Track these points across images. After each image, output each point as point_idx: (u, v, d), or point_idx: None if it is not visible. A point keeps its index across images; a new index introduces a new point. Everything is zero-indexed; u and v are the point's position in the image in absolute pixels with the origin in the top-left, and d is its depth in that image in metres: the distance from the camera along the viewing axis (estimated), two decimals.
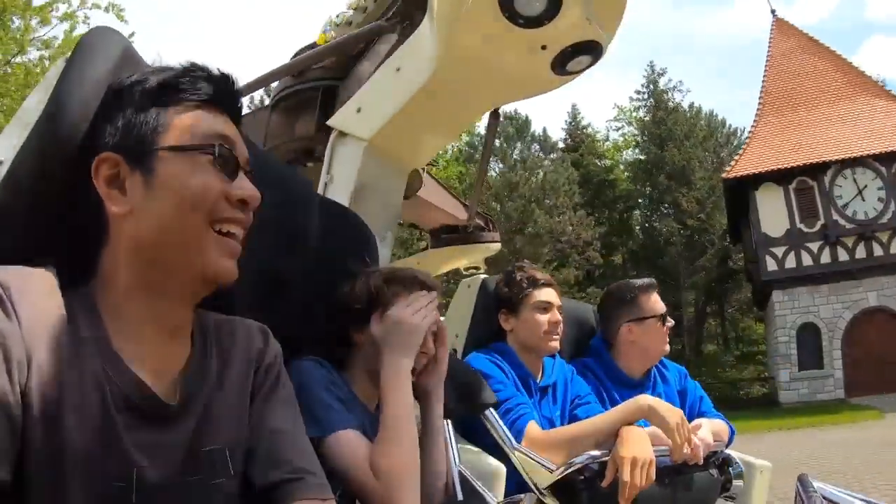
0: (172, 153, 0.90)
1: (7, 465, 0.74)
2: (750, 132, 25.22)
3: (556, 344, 2.28)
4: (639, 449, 1.81)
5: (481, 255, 4.92)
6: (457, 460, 1.58)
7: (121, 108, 0.93)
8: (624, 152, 42.22)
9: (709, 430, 2.14)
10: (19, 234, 0.95)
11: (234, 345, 1.04)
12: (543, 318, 2.27)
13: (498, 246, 5.00)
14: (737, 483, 2.34)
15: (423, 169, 4.20)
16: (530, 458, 1.83)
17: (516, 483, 1.85)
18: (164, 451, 0.88)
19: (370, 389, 1.42)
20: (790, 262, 22.44)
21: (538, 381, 2.30)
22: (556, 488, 1.78)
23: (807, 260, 22.31)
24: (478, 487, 1.55)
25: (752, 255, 24.35)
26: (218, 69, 0.99)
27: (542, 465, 1.79)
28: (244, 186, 0.95)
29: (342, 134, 2.87)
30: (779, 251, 22.59)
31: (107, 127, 0.93)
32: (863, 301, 21.69)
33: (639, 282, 2.67)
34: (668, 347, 2.58)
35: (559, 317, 2.28)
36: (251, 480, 0.97)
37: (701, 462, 1.95)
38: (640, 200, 39.66)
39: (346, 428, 1.27)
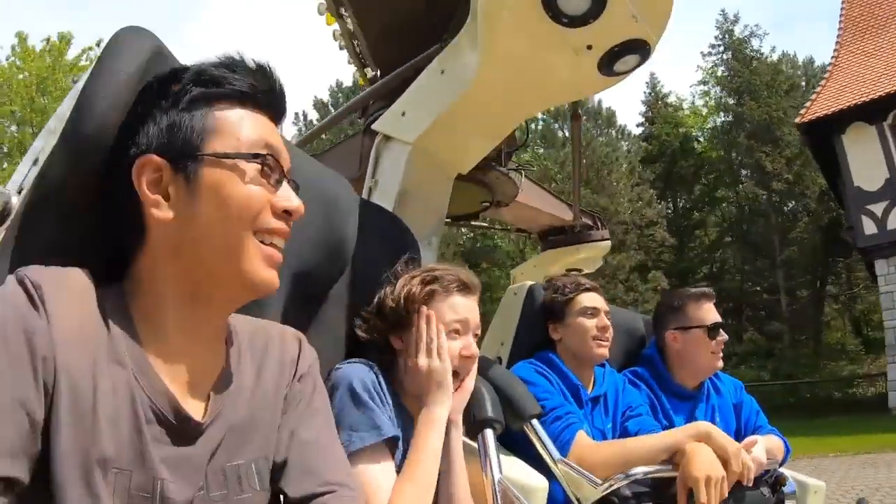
0: (219, 160, 0.89)
1: (24, 463, 0.74)
2: (830, 65, 19.91)
3: (604, 351, 2.22)
4: (710, 467, 1.75)
5: (594, 254, 4.92)
6: (499, 472, 1.54)
7: (161, 107, 0.91)
8: (712, 119, 35.56)
9: (763, 447, 2.05)
10: (52, 235, 0.95)
11: (267, 354, 1.02)
12: (591, 322, 2.21)
13: (608, 244, 5.01)
14: (790, 503, 2.25)
15: (522, 173, 4.20)
16: (574, 471, 1.78)
17: (560, 498, 1.80)
18: (189, 466, 0.87)
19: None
20: (894, 222, 16.68)
21: (589, 391, 2.24)
22: None
23: None
24: (520, 500, 1.51)
25: (847, 218, 18.87)
26: (259, 63, 0.96)
27: (587, 479, 1.74)
28: (289, 197, 0.94)
29: (387, 138, 2.87)
30: (878, 208, 16.89)
31: (146, 127, 0.90)
32: None
33: (692, 290, 2.60)
34: (719, 363, 2.47)
35: (607, 322, 2.22)
36: (284, 492, 0.95)
37: (752, 482, 1.86)
38: (721, 167, 33.54)
39: (379, 439, 1.25)
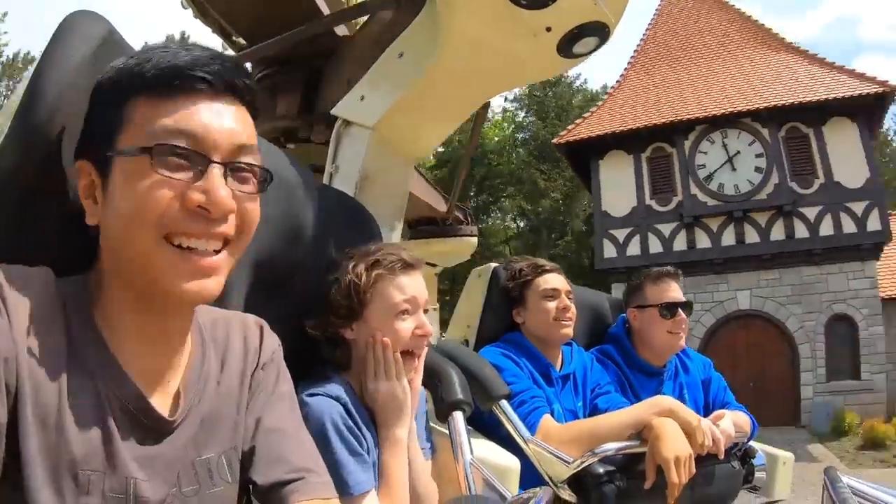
0: (123, 157, 0.80)
1: None
2: (609, 91, 20.11)
3: (568, 331, 2.23)
4: (678, 445, 1.77)
5: (460, 248, 4.87)
6: (470, 454, 1.53)
7: (91, 108, 0.86)
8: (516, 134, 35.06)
9: (731, 421, 2.08)
10: (11, 231, 0.91)
11: (229, 345, 1.00)
12: (551, 304, 2.21)
13: (475, 241, 4.96)
14: (759, 475, 2.29)
15: None
16: (545, 450, 1.78)
17: (532, 477, 1.81)
18: (160, 464, 0.85)
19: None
20: (633, 249, 17.19)
21: (558, 370, 2.25)
22: (574, 482, 1.73)
23: (655, 246, 16.97)
24: (492, 481, 1.51)
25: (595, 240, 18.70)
26: (191, 44, 0.87)
27: (559, 458, 1.75)
28: (207, 189, 0.79)
29: (347, 123, 2.84)
30: (620, 234, 17.40)
31: (84, 129, 0.86)
32: (730, 302, 16.57)
33: (656, 270, 2.60)
34: (680, 342, 2.48)
35: (568, 302, 2.23)
36: (253, 481, 0.94)
37: (722, 455, 1.90)
38: (506, 181, 33.16)
39: (364, 492, 1.25)
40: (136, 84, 0.81)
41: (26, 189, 0.91)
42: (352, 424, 1.30)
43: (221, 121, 0.83)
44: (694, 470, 1.76)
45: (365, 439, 1.33)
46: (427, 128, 2.92)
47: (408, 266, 1.43)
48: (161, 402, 0.87)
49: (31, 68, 0.98)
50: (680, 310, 2.45)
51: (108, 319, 0.84)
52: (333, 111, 2.88)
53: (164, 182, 0.78)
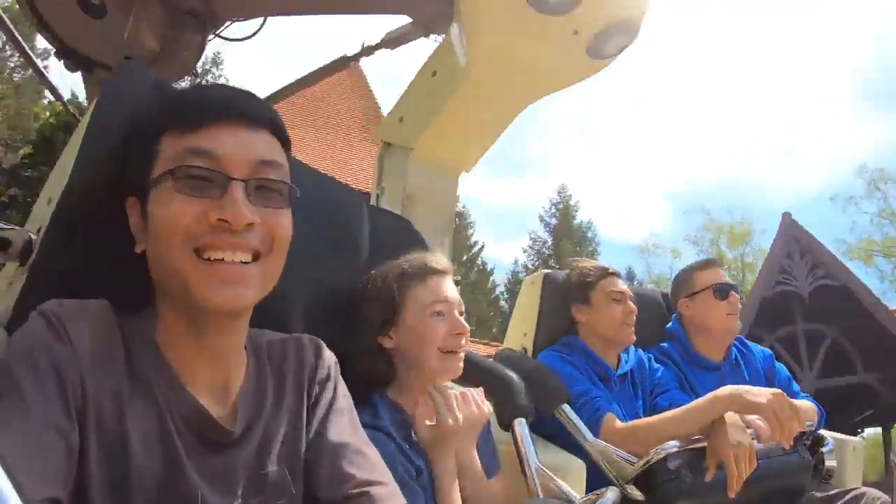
0: (155, 185, 0.88)
1: (63, 485, 0.75)
2: None
3: (632, 336, 2.23)
4: (738, 438, 1.73)
5: None
6: (535, 460, 1.55)
7: (131, 147, 0.95)
8: None
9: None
10: (74, 265, 0.99)
11: (286, 363, 1.04)
12: (619, 308, 2.22)
13: None
14: (829, 464, 2.24)
15: None
16: (610, 451, 1.79)
17: (598, 478, 1.81)
18: (225, 475, 0.89)
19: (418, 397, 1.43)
20: None
21: (616, 371, 2.25)
22: (640, 480, 1.73)
23: None
24: (558, 485, 1.52)
25: None
26: (222, 84, 0.97)
27: (623, 458, 1.75)
28: (222, 206, 0.85)
29: (388, 145, 2.89)
30: None
31: (128, 167, 0.95)
32: None
33: (701, 260, 2.62)
34: (737, 324, 2.47)
35: (633, 307, 2.24)
36: (317, 497, 0.96)
37: (788, 445, 1.82)
38: None
39: None
40: (166, 121, 0.90)
41: (91, 236, 0.99)
42: (403, 459, 1.31)
43: (240, 140, 0.89)
44: (755, 464, 1.72)
45: (413, 462, 1.34)
46: (468, 142, 2.95)
47: (435, 271, 1.46)
48: (221, 416, 0.91)
49: (86, 119, 1.05)
50: (733, 291, 2.45)
51: (168, 341, 0.91)
52: (376, 136, 2.94)
53: (186, 201, 0.85)
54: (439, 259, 1.49)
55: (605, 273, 2.29)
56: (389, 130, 2.89)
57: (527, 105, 2.86)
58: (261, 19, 3.92)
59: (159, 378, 0.87)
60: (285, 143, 0.98)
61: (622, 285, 2.27)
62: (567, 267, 2.43)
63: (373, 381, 1.44)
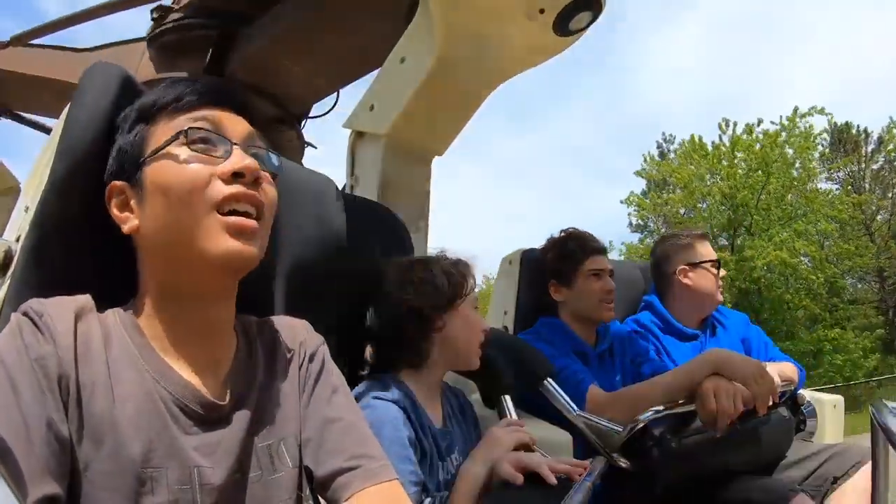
0: (154, 157, 0.92)
1: (58, 480, 0.76)
2: None
3: (611, 312, 2.25)
4: (724, 383, 1.74)
5: None
6: None
7: (116, 139, 0.98)
8: None
9: (775, 371, 2.06)
10: (57, 268, 0.99)
11: (277, 340, 1.06)
12: (597, 285, 2.24)
13: None
14: (811, 421, 2.29)
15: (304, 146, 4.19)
16: (594, 422, 1.81)
17: (584, 449, 1.84)
18: (221, 450, 0.90)
19: (433, 387, 1.52)
20: None
21: (594, 349, 2.27)
22: (626, 449, 1.76)
23: None
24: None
25: None
26: (203, 77, 1.01)
27: (609, 428, 1.77)
28: (234, 161, 0.92)
29: (359, 134, 2.88)
30: None
31: (109, 160, 0.97)
32: None
33: (693, 230, 2.67)
34: (721, 297, 2.56)
35: (612, 284, 2.25)
36: (310, 471, 0.98)
37: (764, 410, 1.82)
38: None
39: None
40: (159, 108, 0.95)
41: (70, 234, 0.99)
42: (412, 435, 1.35)
43: (231, 117, 0.98)
44: (741, 406, 1.72)
45: (422, 445, 1.37)
46: (439, 125, 2.94)
47: (472, 266, 1.59)
48: (211, 389, 0.93)
49: (62, 119, 1.05)
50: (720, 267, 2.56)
51: (154, 325, 0.92)
52: (344, 125, 2.92)
53: (199, 158, 0.91)
54: (469, 259, 1.60)
55: (586, 250, 2.29)
56: (360, 119, 2.87)
57: (496, 86, 2.86)
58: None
59: (145, 362, 0.89)
60: (260, 130, 1.03)
61: (603, 262, 2.28)
62: (552, 242, 2.42)
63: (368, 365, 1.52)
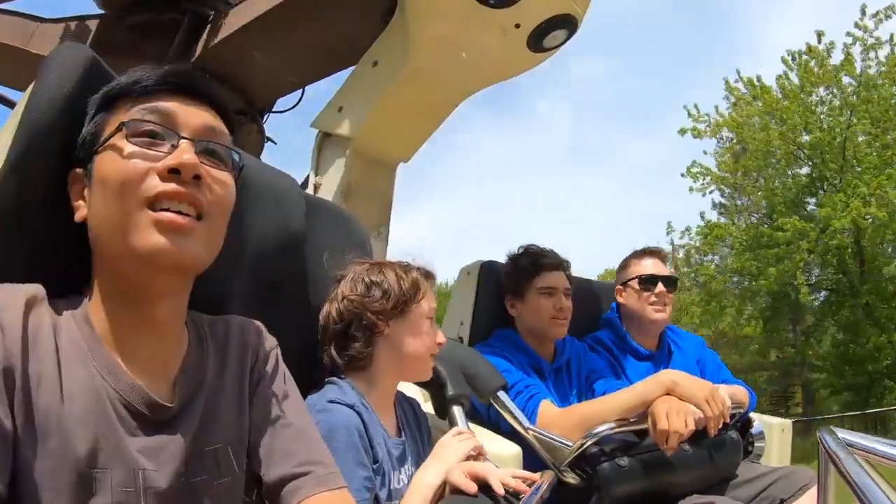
0: (102, 147, 0.89)
1: (3, 476, 0.74)
2: None
3: (562, 330, 2.25)
4: (675, 404, 1.76)
5: None
6: None
7: (79, 125, 0.94)
8: None
9: (727, 393, 2.08)
10: (15, 260, 0.96)
11: (228, 341, 1.03)
12: (548, 303, 2.23)
13: None
14: (759, 444, 2.33)
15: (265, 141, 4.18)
16: (545, 437, 1.81)
17: (534, 463, 1.83)
18: (167, 453, 0.88)
19: (386, 394, 1.50)
20: None
21: (551, 364, 2.27)
22: (576, 464, 1.76)
23: None
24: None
25: None
26: (171, 65, 0.96)
27: (559, 443, 1.78)
28: (174, 155, 0.87)
29: (326, 135, 2.87)
30: None
31: (78, 142, 0.94)
32: None
33: (641, 248, 2.65)
34: (658, 315, 2.50)
35: (565, 301, 2.25)
36: (259, 476, 0.96)
37: (714, 432, 1.83)
38: None
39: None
40: (119, 94, 0.92)
41: (28, 220, 0.96)
42: (367, 441, 1.33)
43: (188, 108, 0.92)
44: (692, 424, 1.73)
45: (375, 452, 1.35)
46: (407, 132, 2.95)
47: (431, 277, 1.55)
48: (159, 391, 0.90)
49: (21, 104, 1.01)
50: (661, 283, 2.50)
51: (104, 319, 0.89)
52: (312, 125, 2.91)
53: (138, 153, 0.86)
54: (429, 267, 1.56)
55: (539, 267, 2.29)
56: (328, 120, 2.86)
57: (467, 95, 2.88)
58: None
59: (94, 359, 0.86)
60: (228, 123, 0.99)
61: (555, 280, 2.27)
62: (508, 257, 2.42)
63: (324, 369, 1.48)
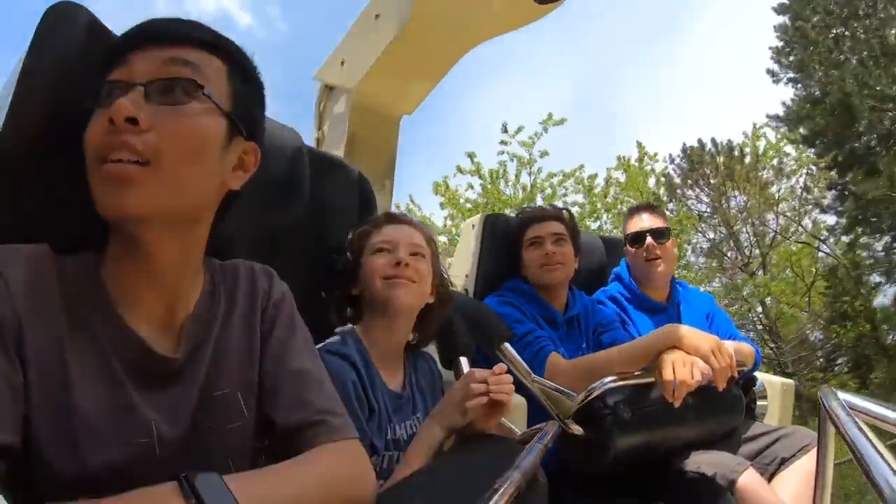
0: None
1: (13, 428, 0.74)
2: None
3: (554, 275, 2.27)
4: (679, 354, 1.78)
5: None
6: None
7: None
8: None
9: (734, 349, 2.08)
10: (18, 214, 0.96)
11: (237, 285, 1.03)
12: (536, 253, 2.29)
13: None
14: (761, 403, 2.35)
15: None
16: (550, 388, 1.82)
17: (540, 414, 1.85)
18: (177, 402, 0.89)
19: (387, 347, 1.49)
20: None
21: (563, 314, 2.30)
22: (580, 416, 1.77)
23: None
24: (500, 420, 1.55)
25: None
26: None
27: (563, 394, 1.79)
28: (109, 105, 0.83)
29: (329, 87, 2.84)
30: None
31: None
32: None
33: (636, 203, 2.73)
34: (654, 269, 2.53)
35: (550, 247, 2.27)
36: (273, 421, 0.96)
37: (722, 387, 1.85)
38: None
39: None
40: (106, 60, 0.89)
41: (31, 178, 0.95)
42: (360, 391, 1.34)
43: (152, 53, 0.87)
44: (698, 375, 1.74)
45: (371, 402, 1.36)
46: (410, 86, 2.92)
47: (391, 218, 1.58)
48: (164, 343, 0.90)
49: (20, 63, 0.99)
50: (649, 237, 2.53)
51: (112, 271, 0.89)
52: (315, 76, 2.88)
53: (100, 114, 0.84)
54: (401, 213, 1.61)
55: (526, 221, 2.37)
56: (330, 72, 2.84)
57: (470, 48, 2.84)
58: None
59: (98, 314, 0.86)
60: (228, 61, 0.94)
61: (540, 229, 2.32)
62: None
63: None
